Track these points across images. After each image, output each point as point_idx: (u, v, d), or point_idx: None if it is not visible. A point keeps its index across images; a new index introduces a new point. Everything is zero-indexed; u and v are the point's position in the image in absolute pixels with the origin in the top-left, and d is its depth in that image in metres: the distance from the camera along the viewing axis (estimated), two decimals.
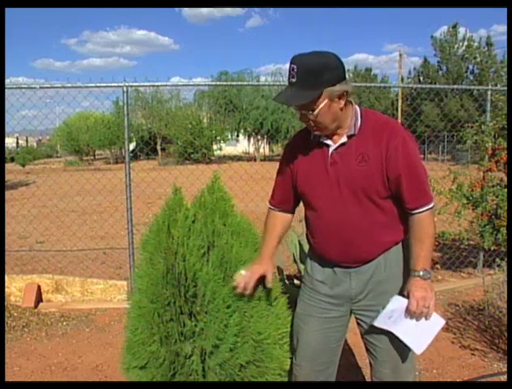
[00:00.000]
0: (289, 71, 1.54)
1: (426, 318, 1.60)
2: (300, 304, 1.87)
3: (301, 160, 1.75)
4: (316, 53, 1.56)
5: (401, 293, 1.68)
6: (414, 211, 1.63)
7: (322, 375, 1.83)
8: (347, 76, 1.59)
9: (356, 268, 1.72)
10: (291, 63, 1.54)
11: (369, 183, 1.62)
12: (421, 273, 1.61)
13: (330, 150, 1.67)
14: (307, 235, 1.88)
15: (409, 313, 1.60)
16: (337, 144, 1.66)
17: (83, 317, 3.89)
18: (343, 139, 1.65)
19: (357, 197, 1.65)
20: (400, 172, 1.60)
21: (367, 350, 1.82)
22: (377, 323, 1.65)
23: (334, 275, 1.76)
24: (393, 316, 1.62)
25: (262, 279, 1.75)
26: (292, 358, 1.86)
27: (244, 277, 1.70)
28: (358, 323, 1.81)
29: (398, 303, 1.63)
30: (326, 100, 1.55)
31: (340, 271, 1.75)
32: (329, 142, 1.68)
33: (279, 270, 3.48)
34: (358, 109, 1.68)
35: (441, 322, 1.62)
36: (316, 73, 1.51)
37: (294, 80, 1.53)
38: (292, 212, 1.91)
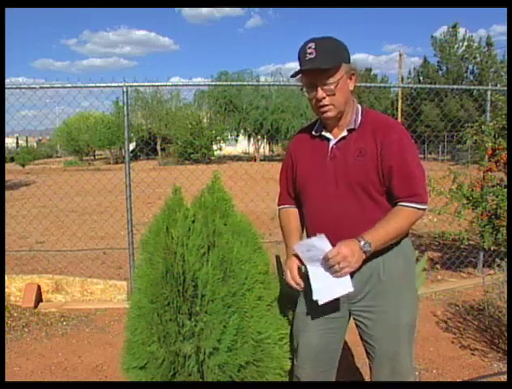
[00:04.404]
0: (305, 51, 1.59)
1: (337, 276, 1.58)
2: (300, 305, 1.86)
3: (303, 154, 1.80)
4: (326, 37, 1.64)
5: (398, 292, 1.69)
6: (399, 201, 1.62)
7: (323, 376, 1.83)
8: None
9: None
10: (306, 44, 1.59)
11: (364, 177, 1.64)
12: (362, 242, 1.56)
13: (331, 144, 1.71)
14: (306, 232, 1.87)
15: (324, 258, 1.58)
16: (337, 138, 1.70)
17: (83, 317, 3.89)
18: (344, 133, 1.69)
19: (354, 191, 1.66)
20: (392, 164, 1.61)
21: (366, 351, 1.81)
22: (296, 247, 1.68)
23: None
24: (312, 251, 1.62)
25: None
26: (292, 360, 1.85)
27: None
28: (357, 325, 1.80)
29: (321, 243, 1.60)
30: (343, 75, 1.61)
31: None
32: (329, 135, 1.72)
33: (279, 263, 3.47)
34: (359, 106, 1.73)
35: (350, 288, 1.60)
36: (333, 49, 1.60)
37: (313, 56, 1.57)
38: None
